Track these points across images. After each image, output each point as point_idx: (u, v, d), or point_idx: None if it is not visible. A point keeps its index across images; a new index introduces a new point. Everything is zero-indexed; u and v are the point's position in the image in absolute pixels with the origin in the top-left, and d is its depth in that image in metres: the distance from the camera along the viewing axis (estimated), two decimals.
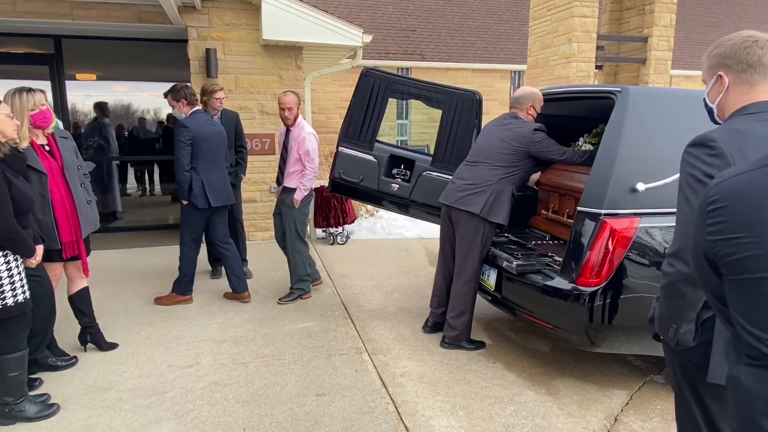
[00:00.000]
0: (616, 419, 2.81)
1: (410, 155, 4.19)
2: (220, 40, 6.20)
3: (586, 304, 2.78)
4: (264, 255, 5.93)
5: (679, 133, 2.81)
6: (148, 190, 9.51)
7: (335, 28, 6.16)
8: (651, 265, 2.80)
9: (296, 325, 4.02)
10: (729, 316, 1.11)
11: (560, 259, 3.08)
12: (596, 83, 7.51)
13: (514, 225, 3.92)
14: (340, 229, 6.69)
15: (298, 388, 3.07)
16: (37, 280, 2.90)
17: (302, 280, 4.56)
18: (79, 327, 3.53)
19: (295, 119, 4.36)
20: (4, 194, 2.46)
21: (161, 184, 9.45)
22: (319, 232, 6.93)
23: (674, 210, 2.43)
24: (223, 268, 5.34)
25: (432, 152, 4.16)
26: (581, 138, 3.96)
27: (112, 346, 3.60)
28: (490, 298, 3.58)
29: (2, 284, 2.52)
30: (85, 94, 7.73)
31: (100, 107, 7.78)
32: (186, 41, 6.18)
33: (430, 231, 7.11)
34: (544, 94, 3.66)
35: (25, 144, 2.81)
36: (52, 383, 3.11)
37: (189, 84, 4.24)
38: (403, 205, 4.17)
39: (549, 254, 3.39)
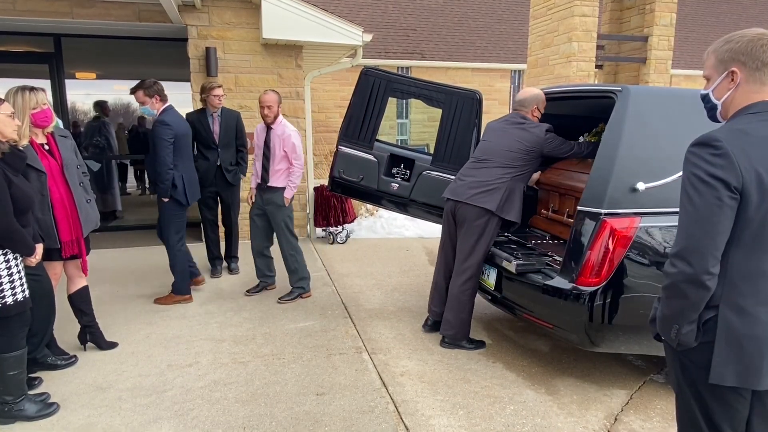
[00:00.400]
0: (616, 419, 2.81)
1: (410, 154, 4.19)
2: (220, 38, 6.20)
3: (586, 304, 2.78)
4: None
5: (679, 132, 2.81)
6: (147, 189, 9.50)
7: (335, 27, 6.15)
8: (651, 264, 2.80)
9: (296, 325, 4.02)
10: None
11: (560, 259, 3.08)
12: (596, 82, 7.51)
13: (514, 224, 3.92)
14: (340, 228, 6.68)
15: (298, 388, 3.07)
16: (37, 279, 2.89)
17: (303, 278, 4.56)
18: (78, 326, 3.53)
19: (276, 117, 4.35)
20: (3, 193, 2.46)
21: None
22: (319, 231, 6.93)
23: (675, 210, 2.42)
24: (222, 267, 5.37)
25: (432, 151, 4.16)
26: (581, 137, 3.97)
27: (112, 345, 3.59)
28: (490, 297, 3.58)
29: (2, 283, 2.52)
30: (84, 92, 7.72)
31: (100, 106, 7.78)
32: (186, 40, 6.18)
33: (430, 230, 7.11)
34: (544, 94, 3.66)
35: (24, 142, 2.81)
36: (51, 382, 3.11)
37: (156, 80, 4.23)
38: (402, 204, 4.17)
39: (549, 254, 3.40)
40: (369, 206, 7.79)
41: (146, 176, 9.46)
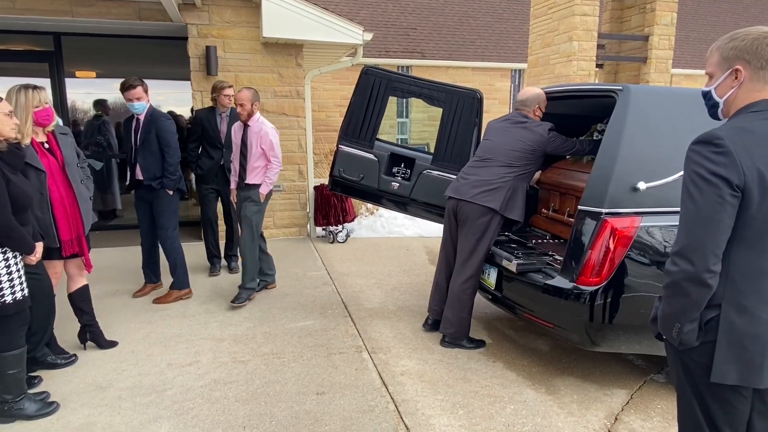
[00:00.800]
0: (616, 418, 2.81)
1: (410, 154, 4.18)
2: (220, 37, 6.19)
3: (586, 303, 2.78)
4: None
5: (680, 131, 2.82)
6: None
7: (335, 25, 6.14)
8: (652, 264, 2.80)
9: (296, 324, 4.02)
10: None
11: (561, 258, 3.07)
12: (597, 82, 7.50)
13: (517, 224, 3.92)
14: (340, 227, 6.68)
15: (298, 387, 3.07)
16: (37, 278, 2.89)
17: (254, 279, 4.43)
18: (78, 325, 3.53)
19: (249, 115, 4.29)
20: (1, 191, 2.45)
21: None
22: (319, 230, 6.93)
23: (676, 209, 2.42)
24: (221, 266, 5.37)
25: (432, 151, 4.16)
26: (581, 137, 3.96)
27: (112, 344, 3.59)
28: (490, 296, 3.58)
29: (1, 281, 2.51)
30: (85, 91, 7.71)
31: (101, 105, 7.76)
32: (186, 39, 6.17)
33: (430, 229, 7.11)
34: (545, 93, 3.65)
35: (27, 141, 2.81)
36: (51, 381, 3.11)
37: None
38: (403, 203, 4.16)
39: (549, 253, 3.39)
40: (369, 205, 7.79)
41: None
